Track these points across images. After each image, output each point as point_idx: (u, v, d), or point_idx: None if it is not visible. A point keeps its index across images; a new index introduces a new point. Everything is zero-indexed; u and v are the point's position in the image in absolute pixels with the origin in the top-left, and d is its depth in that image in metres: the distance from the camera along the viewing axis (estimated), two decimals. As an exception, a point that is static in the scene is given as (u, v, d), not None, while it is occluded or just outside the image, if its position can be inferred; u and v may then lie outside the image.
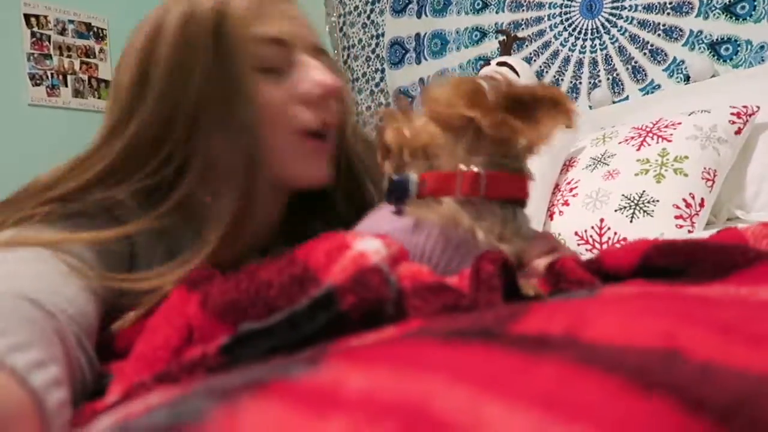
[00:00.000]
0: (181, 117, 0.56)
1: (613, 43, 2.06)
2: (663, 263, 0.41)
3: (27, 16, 2.89)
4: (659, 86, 1.98)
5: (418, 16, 2.57)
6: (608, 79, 2.08)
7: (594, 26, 2.10)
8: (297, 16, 0.63)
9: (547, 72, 2.22)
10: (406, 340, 0.22)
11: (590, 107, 2.06)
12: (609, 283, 0.43)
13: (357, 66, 2.78)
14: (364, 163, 0.71)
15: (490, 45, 2.37)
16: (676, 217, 1.36)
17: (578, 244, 1.48)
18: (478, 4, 2.39)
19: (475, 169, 0.50)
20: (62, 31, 3.01)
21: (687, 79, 1.91)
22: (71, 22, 3.04)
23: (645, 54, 2.00)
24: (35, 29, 2.91)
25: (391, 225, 0.51)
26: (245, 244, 0.62)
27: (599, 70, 2.10)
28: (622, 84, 2.05)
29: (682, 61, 1.92)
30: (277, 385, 0.17)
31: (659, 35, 1.96)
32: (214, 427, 0.15)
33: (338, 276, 0.34)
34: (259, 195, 0.59)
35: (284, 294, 0.36)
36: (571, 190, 1.59)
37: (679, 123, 1.51)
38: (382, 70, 2.72)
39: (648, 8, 1.98)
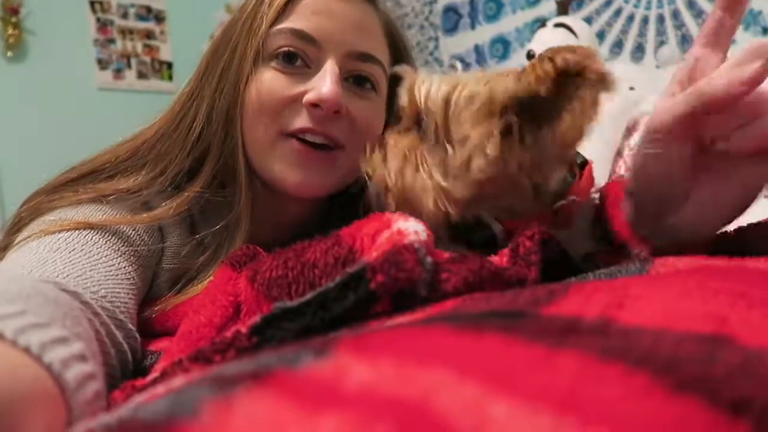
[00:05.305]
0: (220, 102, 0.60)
1: (682, -4, 1.92)
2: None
3: (92, 3, 2.98)
4: (733, 41, 1.83)
5: (472, -20, 2.48)
6: (677, 35, 1.95)
7: (660, -21, 1.96)
8: (342, 18, 0.60)
9: (609, 32, 2.10)
10: (422, 328, 0.21)
11: (657, 67, 1.94)
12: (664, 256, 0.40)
13: (411, 35, 2.73)
14: None
15: (548, 5, 2.26)
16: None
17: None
18: (535, -37, 2.28)
19: None
20: (124, 15, 3.10)
21: (765, 31, 1.76)
22: (132, 6, 3.12)
23: (718, 6, 1.85)
24: (99, 15, 3.01)
25: None
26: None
27: (666, 27, 1.96)
28: (691, 41, 1.92)
29: (760, 12, 1.77)
30: (280, 374, 0.16)
31: (734, -16, 1.81)
32: (207, 421, 0.14)
33: (372, 255, 0.33)
34: (260, 191, 0.61)
35: (327, 275, 0.36)
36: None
37: (756, 80, 1.39)
38: (436, 38, 2.66)
39: (721, -44, 1.82)
